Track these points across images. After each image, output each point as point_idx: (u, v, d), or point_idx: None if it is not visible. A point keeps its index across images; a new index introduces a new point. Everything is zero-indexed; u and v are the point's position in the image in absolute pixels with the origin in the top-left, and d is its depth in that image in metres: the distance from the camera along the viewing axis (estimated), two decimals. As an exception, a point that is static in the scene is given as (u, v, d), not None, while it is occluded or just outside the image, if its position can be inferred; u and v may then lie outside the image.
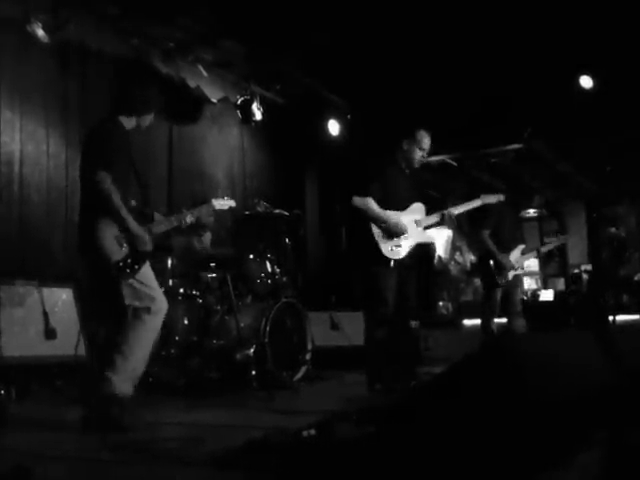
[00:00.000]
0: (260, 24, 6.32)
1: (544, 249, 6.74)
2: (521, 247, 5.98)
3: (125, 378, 3.46)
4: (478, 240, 6.18)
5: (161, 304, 3.61)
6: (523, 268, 6.00)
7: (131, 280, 3.50)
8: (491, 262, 5.85)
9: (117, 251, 3.47)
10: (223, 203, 4.53)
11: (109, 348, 3.52)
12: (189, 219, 3.98)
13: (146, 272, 3.59)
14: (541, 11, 6.25)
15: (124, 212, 3.47)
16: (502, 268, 5.80)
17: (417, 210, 4.62)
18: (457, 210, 4.71)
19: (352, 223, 4.58)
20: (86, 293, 5.24)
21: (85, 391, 3.75)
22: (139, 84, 3.97)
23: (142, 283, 3.54)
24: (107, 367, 3.44)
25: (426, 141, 4.62)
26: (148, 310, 3.52)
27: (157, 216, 3.92)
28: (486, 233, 5.91)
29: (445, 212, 4.63)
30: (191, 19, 6.29)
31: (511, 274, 5.83)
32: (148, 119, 3.86)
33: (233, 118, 7.80)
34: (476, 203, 4.90)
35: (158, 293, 3.63)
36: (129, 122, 3.77)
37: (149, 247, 3.58)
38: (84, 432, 3.41)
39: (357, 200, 4.41)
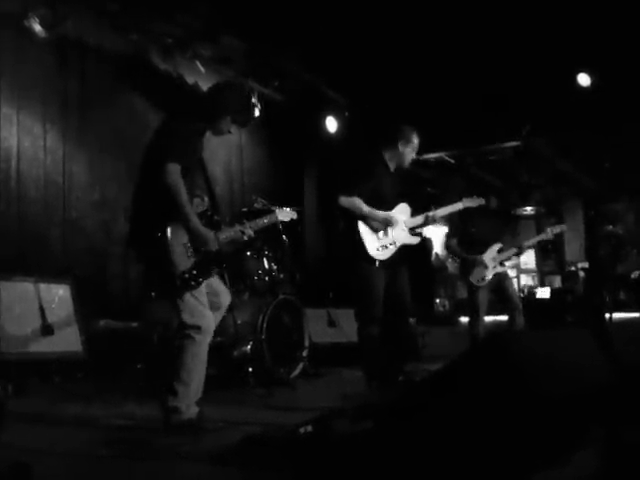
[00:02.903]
0: (259, 20, 6.31)
1: (527, 244, 6.73)
2: (497, 246, 5.97)
3: (190, 403, 3.38)
4: (447, 249, 6.29)
5: (210, 322, 3.44)
6: (504, 265, 5.99)
7: (189, 294, 3.34)
8: (465, 266, 5.91)
9: (184, 261, 3.31)
10: (287, 214, 4.37)
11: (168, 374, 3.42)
12: (252, 231, 3.79)
13: (202, 289, 3.42)
14: (539, 9, 6.25)
15: (189, 209, 3.30)
16: (473, 269, 5.82)
17: (402, 211, 4.62)
18: (440, 212, 4.76)
19: (340, 222, 4.58)
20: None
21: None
22: (218, 86, 3.81)
23: (197, 299, 3.38)
24: (170, 396, 3.34)
25: (417, 141, 4.65)
26: (199, 329, 3.37)
27: (223, 225, 3.76)
28: (453, 241, 6.00)
29: (429, 214, 4.67)
30: (190, 15, 6.27)
31: (489, 273, 5.83)
32: (225, 123, 3.65)
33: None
34: (457, 206, 4.94)
35: (208, 312, 3.46)
36: (203, 125, 3.58)
37: (215, 247, 3.43)
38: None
39: (344, 200, 4.41)
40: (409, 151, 4.61)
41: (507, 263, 6.06)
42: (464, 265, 5.97)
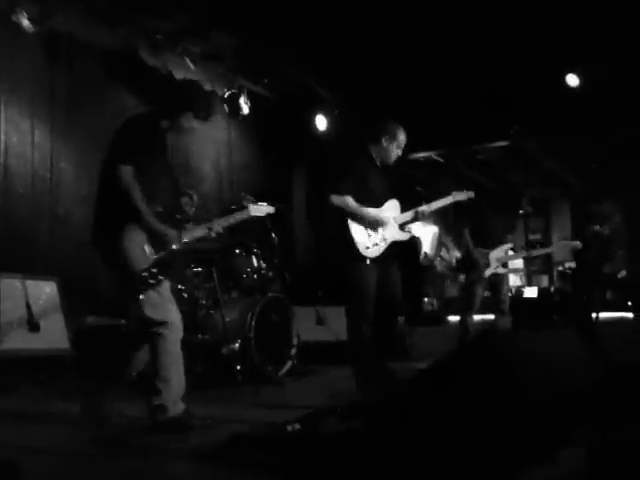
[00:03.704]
0: (250, 17, 6.29)
1: (534, 253, 6.81)
2: (506, 247, 6.00)
3: (176, 399, 3.38)
4: (459, 235, 6.25)
5: (176, 317, 3.46)
6: (505, 267, 6.01)
7: (152, 291, 3.35)
8: (468, 259, 5.91)
9: (143, 260, 3.32)
10: (261, 209, 4.28)
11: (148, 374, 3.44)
12: (220, 227, 3.78)
13: (166, 285, 3.45)
14: (528, 10, 6.28)
15: (144, 209, 3.30)
16: (477, 264, 5.84)
17: (392, 207, 4.61)
18: (430, 207, 4.73)
19: (330, 220, 4.57)
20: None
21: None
22: (179, 85, 3.83)
23: (161, 294, 3.40)
24: (154, 396, 3.35)
25: (402, 138, 4.60)
26: (165, 324, 3.38)
27: (187, 225, 3.77)
28: (466, 230, 5.98)
29: (419, 209, 4.65)
30: (180, 11, 6.25)
31: (489, 272, 5.85)
32: (186, 120, 3.62)
33: (220, 111, 7.77)
34: (448, 200, 4.91)
35: (174, 307, 3.49)
36: (165, 121, 3.58)
37: (176, 245, 3.44)
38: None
39: (335, 198, 4.41)
40: (394, 147, 4.59)
41: (510, 264, 6.10)
42: (465, 260, 5.95)
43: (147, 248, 3.38)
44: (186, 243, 3.56)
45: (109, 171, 3.35)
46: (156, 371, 3.37)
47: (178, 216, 3.67)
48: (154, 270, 3.33)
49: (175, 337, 3.43)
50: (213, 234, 3.75)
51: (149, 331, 3.38)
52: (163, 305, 3.41)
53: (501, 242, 5.98)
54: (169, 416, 3.32)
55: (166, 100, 3.66)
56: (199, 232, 3.71)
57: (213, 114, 3.68)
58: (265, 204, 4.36)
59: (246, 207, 4.15)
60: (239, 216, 4.06)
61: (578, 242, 6.96)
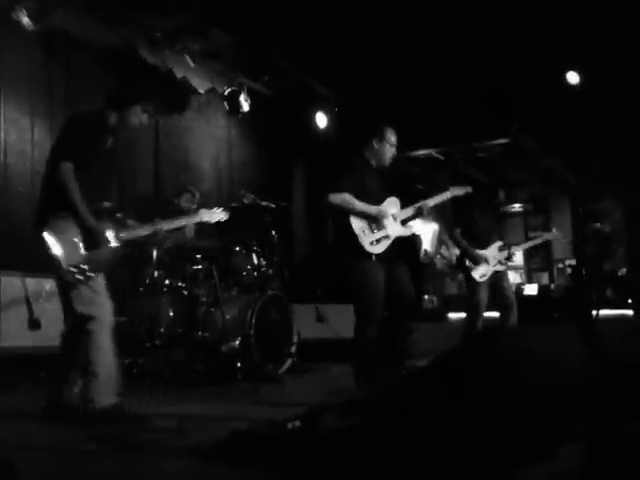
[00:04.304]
0: (249, 15, 6.28)
1: (525, 245, 6.80)
2: (497, 244, 5.99)
3: (105, 391, 3.45)
4: (451, 239, 6.25)
5: (107, 312, 3.52)
6: (502, 264, 6.00)
7: (83, 285, 3.41)
8: (465, 259, 5.89)
9: (73, 255, 3.37)
10: (213, 215, 4.34)
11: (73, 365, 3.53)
12: (167, 227, 3.86)
13: (99, 279, 3.50)
14: (528, 7, 6.27)
15: (80, 206, 3.35)
16: (477, 264, 5.82)
17: (392, 204, 4.60)
18: (430, 203, 4.72)
19: (330, 220, 4.56)
20: None
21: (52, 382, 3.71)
22: (123, 76, 3.85)
23: (92, 289, 3.45)
24: (84, 389, 3.45)
25: (393, 138, 4.59)
26: (93, 319, 3.43)
27: (131, 222, 3.83)
28: (457, 231, 5.95)
29: (420, 205, 4.62)
30: (179, 8, 6.24)
31: (490, 270, 5.83)
32: (134, 114, 3.67)
33: (220, 109, 7.77)
34: (446, 195, 4.90)
35: (106, 301, 3.54)
36: (113, 117, 3.63)
37: (108, 244, 3.49)
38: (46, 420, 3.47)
39: (333, 197, 4.39)
40: (385, 148, 4.57)
41: (509, 262, 6.08)
42: (463, 259, 5.93)
43: (79, 244, 3.41)
44: (125, 241, 3.62)
45: (49, 166, 3.46)
46: (85, 367, 3.45)
47: (119, 215, 3.69)
48: (83, 266, 3.37)
49: (104, 332, 3.48)
50: (160, 235, 3.86)
51: (79, 326, 3.45)
52: (94, 301, 3.46)
53: (490, 241, 5.96)
54: (96, 408, 3.40)
55: (115, 93, 3.70)
56: (143, 231, 3.79)
57: (181, 106, 3.69)
58: (220, 209, 4.41)
59: (197, 212, 4.21)
60: (188, 220, 4.12)
61: (565, 237, 6.95)
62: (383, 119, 4.71)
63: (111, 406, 3.43)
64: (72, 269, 3.35)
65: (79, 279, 3.38)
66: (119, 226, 3.63)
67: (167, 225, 3.92)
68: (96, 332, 3.44)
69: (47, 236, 3.35)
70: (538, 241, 7.03)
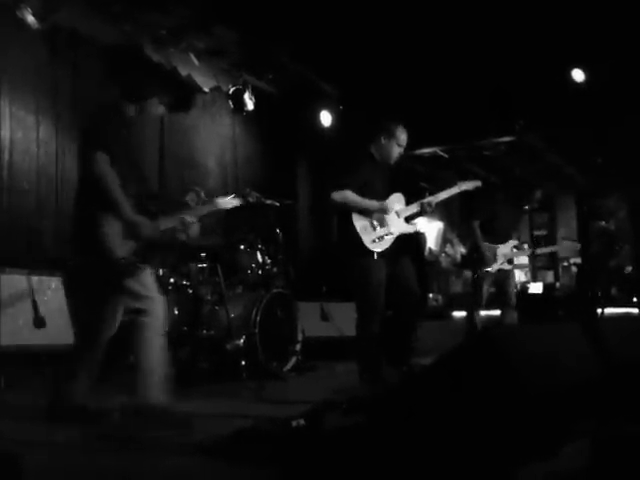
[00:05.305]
0: (253, 12, 6.28)
1: (539, 252, 6.81)
2: (513, 242, 5.98)
3: (159, 390, 3.36)
4: (467, 228, 6.19)
5: (158, 306, 3.45)
6: (512, 263, 5.99)
7: (130, 281, 3.36)
8: (475, 253, 5.88)
9: (120, 248, 3.32)
10: (227, 202, 4.38)
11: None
12: (190, 219, 3.83)
13: (146, 273, 3.45)
14: (533, 5, 6.25)
15: (119, 197, 3.31)
16: (483, 259, 5.81)
17: (397, 200, 4.58)
18: (436, 198, 4.66)
19: (333, 217, 4.55)
20: (81, 293, 5.06)
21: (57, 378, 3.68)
22: (137, 69, 3.83)
23: (140, 283, 3.40)
24: (136, 386, 3.34)
25: (403, 137, 4.54)
26: (145, 312, 3.37)
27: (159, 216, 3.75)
28: (476, 223, 5.91)
29: (425, 201, 4.57)
30: (184, 5, 6.24)
31: (495, 267, 5.83)
32: (153, 106, 3.66)
33: (225, 107, 7.77)
34: (454, 190, 4.81)
35: (156, 295, 3.47)
36: (130, 109, 3.59)
37: (151, 234, 3.44)
38: (50, 420, 3.42)
39: (336, 195, 4.38)
40: (393, 145, 4.54)
41: (515, 260, 6.08)
42: (472, 254, 5.92)
43: (124, 236, 3.37)
44: (162, 232, 3.59)
45: (83, 160, 3.39)
46: (138, 365, 3.37)
47: (151, 208, 3.64)
48: (132, 258, 3.34)
49: (157, 326, 3.42)
50: (186, 224, 3.81)
51: (131, 320, 3.40)
52: (143, 294, 3.40)
53: (508, 238, 5.96)
54: (152, 405, 3.32)
55: (133, 85, 3.68)
56: (172, 222, 3.76)
57: (187, 104, 3.67)
58: (232, 197, 4.52)
59: (213, 200, 4.28)
60: (208, 208, 4.17)
61: (579, 244, 7.00)
62: (395, 117, 4.69)
63: (162, 403, 3.35)
64: (123, 261, 3.30)
65: (130, 270, 3.33)
66: (152, 218, 3.57)
67: (192, 215, 3.90)
68: (147, 327, 3.38)
69: (97, 232, 3.29)
70: (550, 250, 7.12)
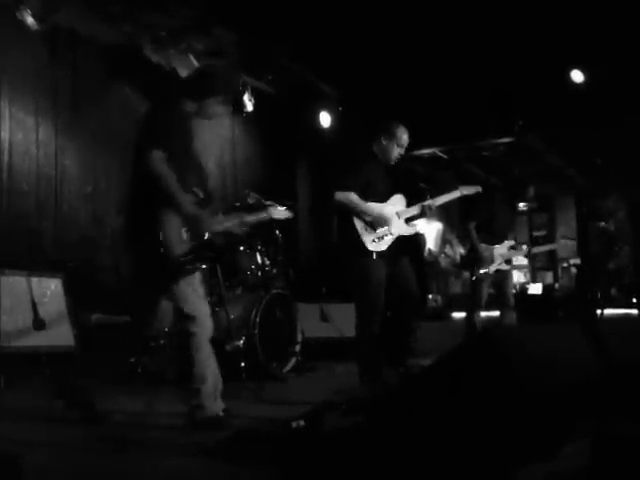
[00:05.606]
0: (252, 12, 6.28)
1: (535, 250, 6.81)
2: (510, 243, 5.99)
3: (215, 397, 3.34)
4: (464, 230, 6.21)
5: (205, 314, 3.36)
6: (510, 263, 5.99)
7: (183, 282, 3.26)
8: (471, 255, 5.89)
9: (179, 245, 3.21)
10: (281, 213, 4.31)
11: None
12: (246, 224, 3.74)
13: (197, 277, 3.35)
14: (532, 5, 6.26)
15: (179, 194, 3.20)
16: (481, 260, 5.82)
17: (398, 202, 4.58)
18: (437, 201, 4.68)
19: (335, 217, 4.55)
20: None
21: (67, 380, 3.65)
22: (202, 68, 3.77)
23: (192, 288, 3.31)
24: (192, 396, 3.28)
25: (405, 138, 4.54)
26: (193, 319, 3.28)
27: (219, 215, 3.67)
28: (472, 224, 5.92)
29: (425, 204, 4.58)
30: (183, 6, 6.24)
31: (492, 267, 5.83)
32: (215, 104, 3.54)
33: (224, 108, 7.77)
34: (455, 194, 4.83)
35: (203, 303, 3.39)
36: (191, 106, 3.49)
37: (211, 230, 3.34)
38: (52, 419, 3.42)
39: (339, 195, 4.39)
40: (394, 145, 4.54)
41: (513, 260, 6.08)
42: (470, 256, 5.93)
43: (184, 233, 3.27)
44: (217, 232, 3.46)
45: (140, 158, 3.25)
46: (191, 370, 3.29)
47: (208, 209, 3.51)
48: (190, 256, 3.24)
49: (203, 334, 3.32)
50: (242, 229, 3.72)
51: (180, 328, 3.31)
52: (192, 299, 3.30)
53: (504, 238, 5.97)
54: (207, 415, 3.27)
55: (191, 84, 3.59)
56: (228, 223, 3.64)
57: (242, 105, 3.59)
58: (284, 209, 4.43)
59: (267, 209, 4.20)
60: (261, 217, 4.09)
61: (575, 242, 7.02)
62: (394, 117, 4.70)
63: (221, 411, 3.33)
64: (181, 259, 3.19)
65: (187, 269, 3.23)
66: (213, 215, 3.48)
67: (248, 220, 3.81)
68: (197, 333, 3.28)
69: (157, 229, 3.19)
70: (546, 248, 7.10)
